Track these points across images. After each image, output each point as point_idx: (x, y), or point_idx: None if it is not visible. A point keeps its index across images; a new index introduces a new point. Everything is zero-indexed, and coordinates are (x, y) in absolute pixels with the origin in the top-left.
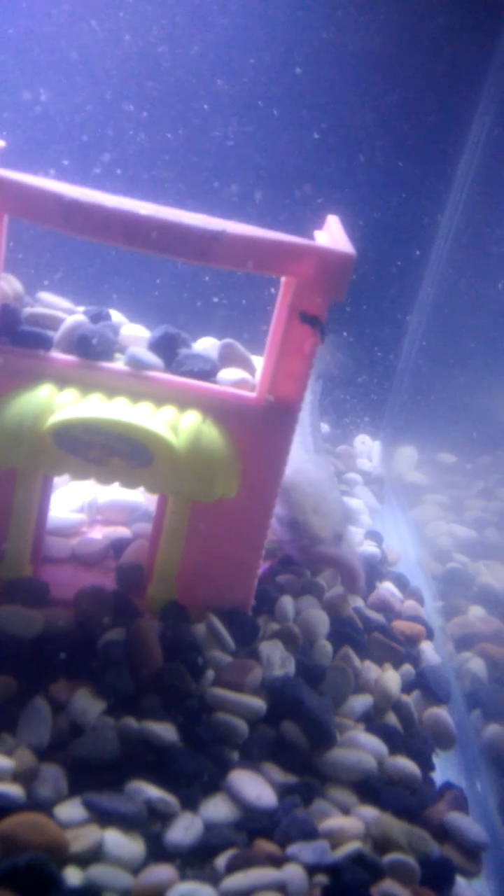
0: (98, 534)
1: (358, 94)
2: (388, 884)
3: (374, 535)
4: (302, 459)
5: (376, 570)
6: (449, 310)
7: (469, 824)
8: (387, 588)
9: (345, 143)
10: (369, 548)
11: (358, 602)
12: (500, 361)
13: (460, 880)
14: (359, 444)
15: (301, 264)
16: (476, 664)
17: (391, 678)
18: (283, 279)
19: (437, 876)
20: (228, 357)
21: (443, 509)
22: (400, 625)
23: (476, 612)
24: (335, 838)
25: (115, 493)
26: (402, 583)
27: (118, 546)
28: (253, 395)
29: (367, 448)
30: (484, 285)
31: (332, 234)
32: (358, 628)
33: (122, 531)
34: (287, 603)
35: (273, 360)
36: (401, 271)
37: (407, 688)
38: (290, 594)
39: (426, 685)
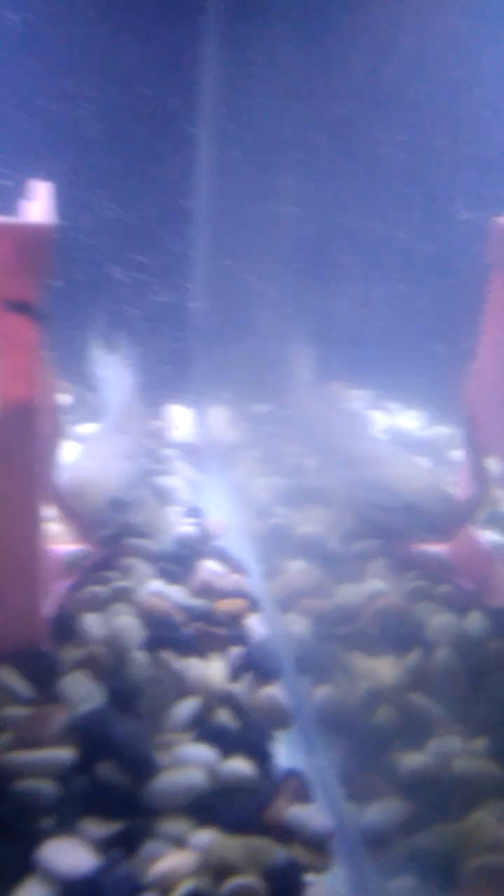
0: None
1: None
2: None
3: (194, 512)
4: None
5: (195, 550)
6: (225, 251)
7: (310, 815)
8: (207, 568)
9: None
10: (186, 528)
11: (178, 593)
12: (289, 298)
13: (312, 878)
14: (169, 417)
15: None
16: (300, 624)
17: (214, 670)
18: None
19: (284, 886)
20: None
21: (261, 463)
22: (224, 605)
23: (297, 566)
24: (166, 883)
25: None
26: (224, 556)
27: None
28: None
29: (178, 419)
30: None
31: (32, 202)
32: (174, 625)
33: None
34: (89, 622)
35: None
36: (173, 224)
37: (237, 673)
38: (94, 609)
39: (255, 664)
